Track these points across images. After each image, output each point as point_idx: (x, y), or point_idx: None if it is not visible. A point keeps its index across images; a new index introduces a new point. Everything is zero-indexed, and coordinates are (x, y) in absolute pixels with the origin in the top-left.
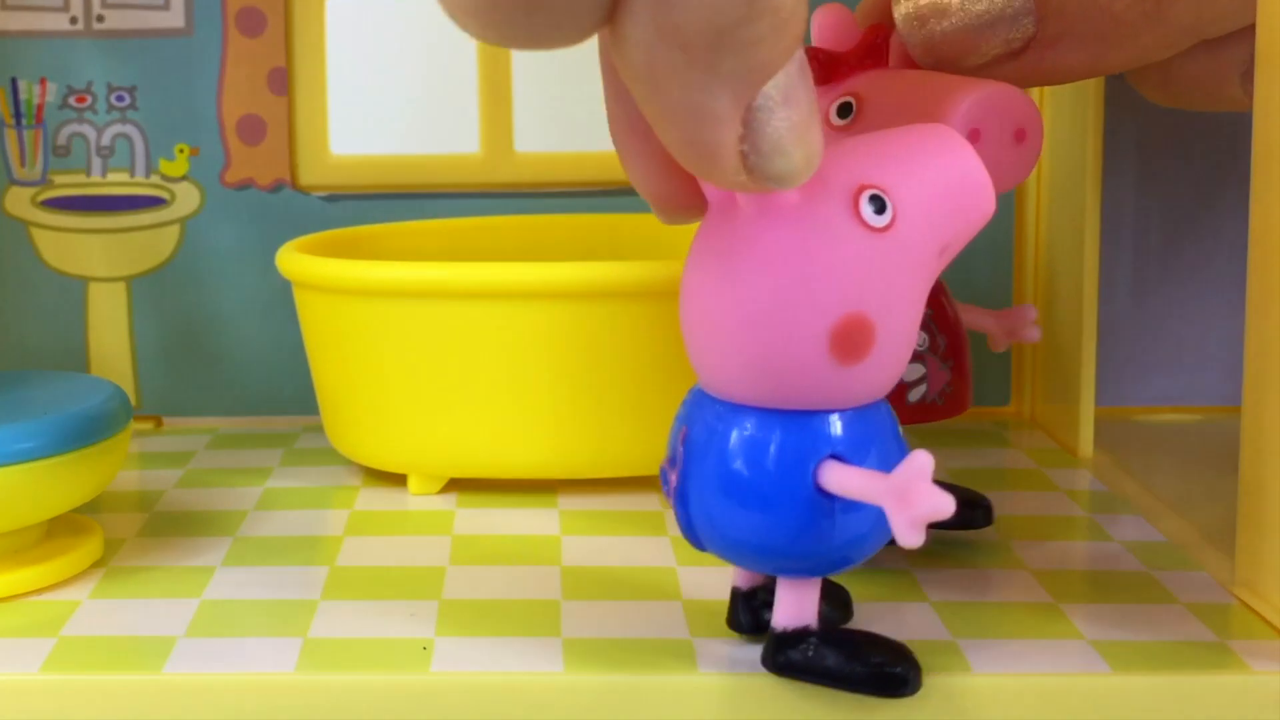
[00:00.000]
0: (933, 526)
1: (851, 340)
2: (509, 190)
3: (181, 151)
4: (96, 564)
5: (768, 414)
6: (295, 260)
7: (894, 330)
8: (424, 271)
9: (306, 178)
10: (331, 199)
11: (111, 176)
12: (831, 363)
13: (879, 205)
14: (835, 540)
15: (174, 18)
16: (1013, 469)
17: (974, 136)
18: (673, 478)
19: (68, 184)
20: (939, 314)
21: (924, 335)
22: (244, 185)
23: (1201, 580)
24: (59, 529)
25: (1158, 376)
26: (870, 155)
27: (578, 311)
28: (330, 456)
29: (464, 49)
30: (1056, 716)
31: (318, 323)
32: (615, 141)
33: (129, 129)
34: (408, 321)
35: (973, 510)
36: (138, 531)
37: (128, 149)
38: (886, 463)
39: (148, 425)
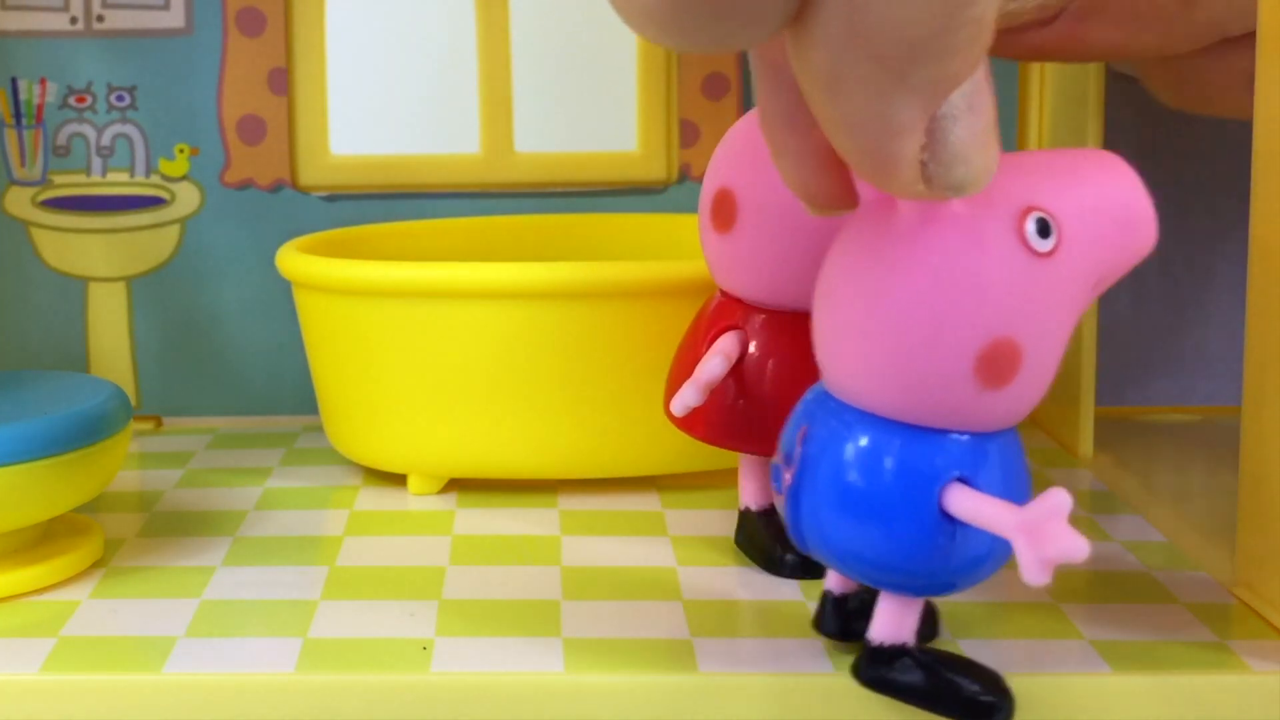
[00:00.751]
0: None
1: (998, 365)
2: (509, 190)
3: (181, 151)
4: (96, 564)
5: (897, 426)
6: (295, 260)
7: (1040, 359)
8: (424, 271)
9: (306, 178)
10: (331, 199)
11: (111, 176)
12: (974, 385)
13: (1044, 229)
14: (950, 564)
15: (174, 17)
16: None
17: None
18: (786, 476)
19: (68, 184)
20: None
21: None
22: (244, 185)
23: (1201, 580)
24: (59, 529)
25: (1158, 377)
26: (1039, 175)
27: (578, 311)
28: (330, 456)
29: (464, 49)
30: (1056, 716)
31: (318, 323)
32: (768, 137)
33: (129, 129)
34: (408, 321)
35: None
36: (138, 531)
37: (128, 149)
38: (1012, 493)
39: (148, 425)
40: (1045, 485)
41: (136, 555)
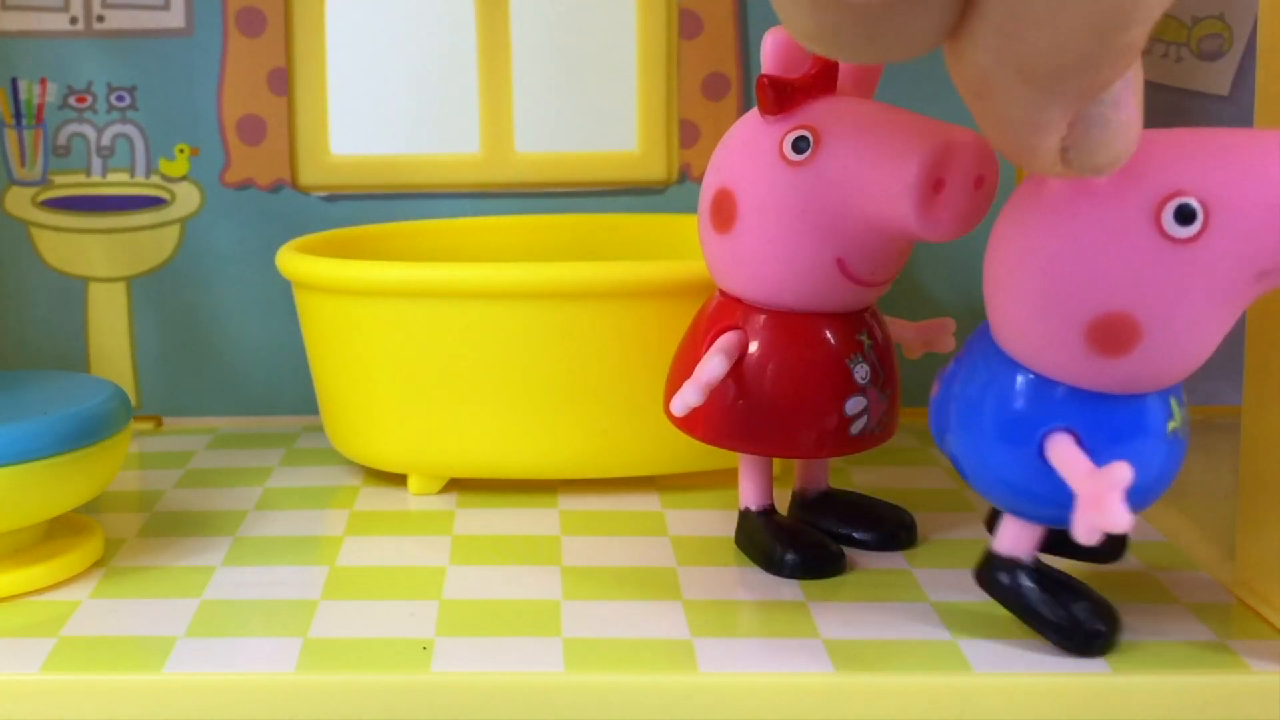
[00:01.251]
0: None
1: (1112, 336)
2: (509, 190)
3: (182, 151)
4: (97, 564)
5: (1021, 370)
6: (295, 260)
7: (1170, 339)
8: (424, 271)
9: (306, 178)
10: (331, 199)
11: (111, 176)
12: (1085, 350)
13: (1186, 216)
14: (1053, 499)
15: (174, 18)
16: None
17: (938, 186)
18: (937, 386)
19: (68, 184)
20: (877, 345)
21: (866, 368)
22: (244, 185)
23: (1201, 580)
24: (59, 529)
25: None
26: (1206, 158)
27: (578, 311)
28: (330, 456)
29: (464, 49)
30: (1057, 715)
31: (318, 323)
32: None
33: (129, 129)
34: (408, 321)
35: (897, 530)
36: (138, 531)
37: (128, 149)
38: (1115, 454)
39: (148, 425)
40: None
41: (137, 555)
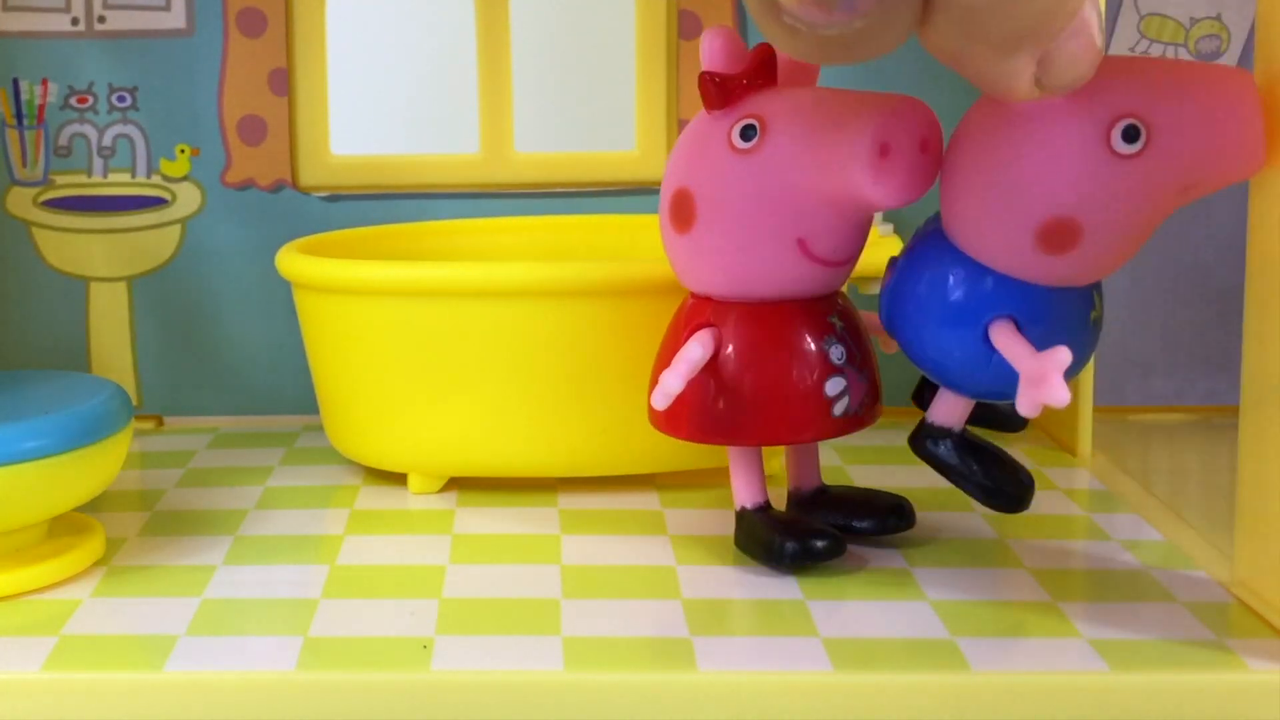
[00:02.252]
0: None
1: (1058, 237)
2: (509, 190)
3: (182, 152)
4: (98, 563)
5: (973, 263)
6: (295, 260)
7: (1106, 241)
8: (424, 271)
9: (307, 178)
10: (332, 199)
11: (113, 177)
12: (1034, 248)
13: (1131, 135)
14: (987, 378)
15: (175, 18)
16: None
17: (884, 151)
18: (889, 276)
19: (69, 184)
20: (850, 326)
21: (841, 349)
22: (245, 185)
23: (1199, 579)
24: (60, 528)
25: (1157, 376)
26: (1151, 84)
27: (577, 311)
28: (330, 456)
29: (464, 50)
30: (1055, 715)
31: (318, 323)
32: None
33: (130, 129)
34: (408, 321)
35: (895, 514)
36: (139, 530)
37: (129, 149)
38: (1051, 340)
39: (149, 424)
40: (1044, 485)
41: (138, 554)
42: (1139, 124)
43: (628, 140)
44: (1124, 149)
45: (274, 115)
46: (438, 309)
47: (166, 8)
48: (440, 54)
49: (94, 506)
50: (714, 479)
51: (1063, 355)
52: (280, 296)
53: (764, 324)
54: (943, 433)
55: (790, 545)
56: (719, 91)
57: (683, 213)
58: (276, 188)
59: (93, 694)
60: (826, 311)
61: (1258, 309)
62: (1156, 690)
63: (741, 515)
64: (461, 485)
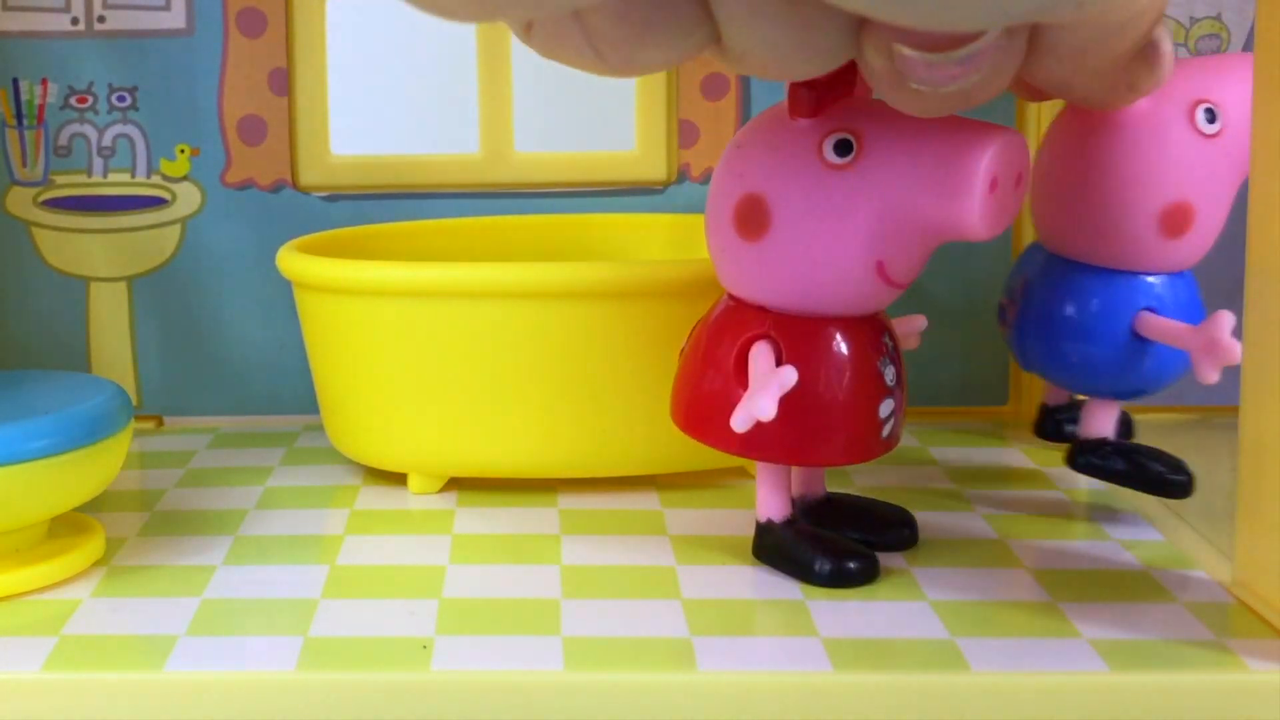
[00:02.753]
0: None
1: (1176, 221)
2: (509, 190)
3: (182, 152)
4: (98, 563)
5: (1099, 269)
6: (296, 260)
7: (1210, 216)
8: (424, 271)
9: (307, 178)
10: (332, 199)
11: (112, 177)
12: (1158, 236)
13: (1211, 116)
14: (1140, 374)
15: (175, 18)
16: (1011, 468)
17: (994, 185)
18: (1010, 313)
19: (69, 184)
20: (896, 346)
21: (892, 370)
22: (245, 185)
23: (1199, 580)
24: (60, 528)
25: None
26: (1211, 72)
27: (577, 311)
28: (331, 456)
29: (464, 50)
30: (1055, 715)
31: (318, 322)
32: None
33: (130, 129)
34: (408, 321)
35: (900, 529)
36: (139, 530)
37: (129, 149)
38: (1191, 319)
39: (149, 425)
40: (1044, 485)
41: (138, 554)
42: (1214, 106)
43: (627, 140)
44: (1208, 129)
45: (274, 115)
46: (438, 309)
47: (166, 8)
48: (440, 54)
49: (94, 506)
50: (713, 479)
51: (1227, 318)
52: (281, 296)
53: (827, 340)
54: (1100, 444)
55: (826, 566)
56: (812, 100)
57: (754, 220)
58: (276, 187)
59: (93, 694)
60: (879, 331)
61: (1257, 309)
62: (1156, 690)
63: (768, 528)
64: (461, 485)
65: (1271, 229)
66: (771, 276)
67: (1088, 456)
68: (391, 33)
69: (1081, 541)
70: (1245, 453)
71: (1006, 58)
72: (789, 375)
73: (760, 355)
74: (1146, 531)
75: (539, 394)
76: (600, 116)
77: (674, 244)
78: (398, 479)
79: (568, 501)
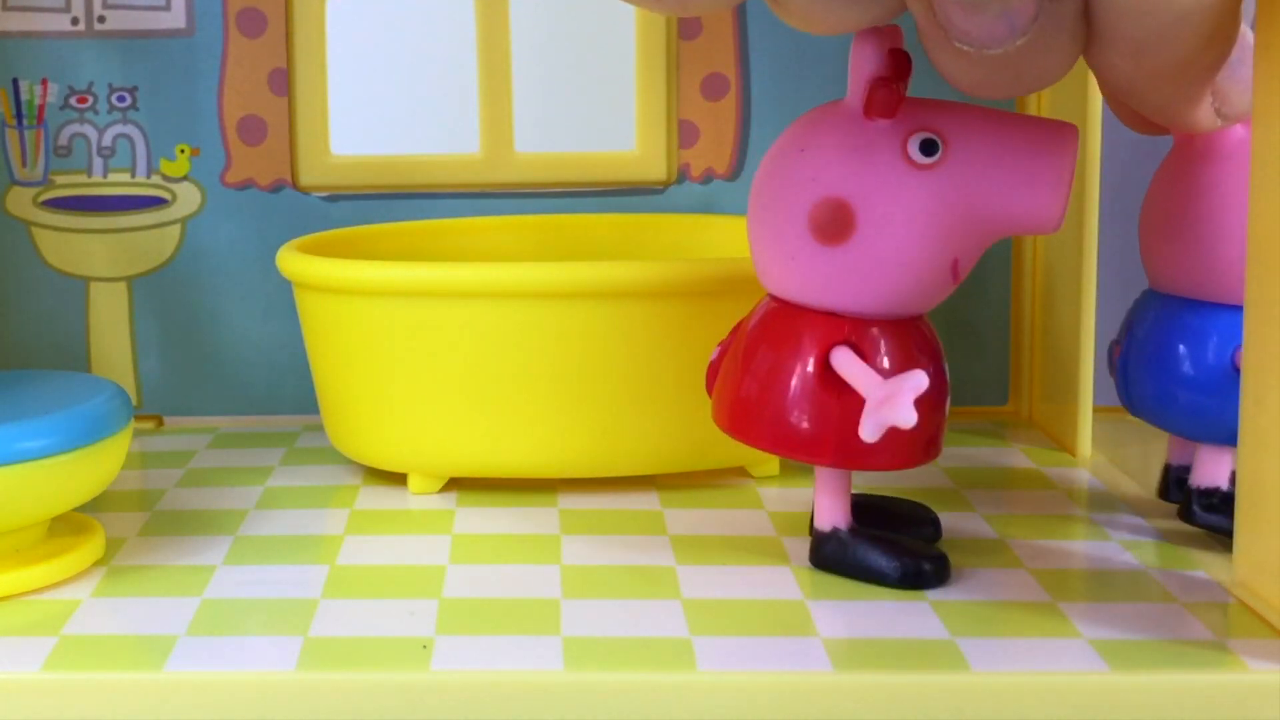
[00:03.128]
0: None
1: None
2: (509, 190)
3: (182, 152)
4: (98, 563)
5: (1211, 306)
6: (295, 260)
7: None
8: (424, 271)
9: (307, 178)
10: (332, 199)
11: (112, 177)
12: None
13: None
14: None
15: (175, 18)
16: (1011, 468)
17: (1071, 179)
18: (1116, 352)
19: (69, 184)
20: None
21: (948, 369)
22: (245, 185)
23: (1199, 580)
24: (60, 528)
25: None
26: None
27: (577, 311)
28: (331, 456)
29: (464, 50)
30: (1055, 715)
31: (318, 322)
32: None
33: (130, 129)
34: (408, 321)
35: (923, 526)
36: (139, 530)
37: (129, 149)
38: None
39: (149, 424)
40: (1044, 485)
41: (137, 554)
42: None
43: (628, 140)
44: None
45: (274, 115)
46: (437, 308)
47: (166, 8)
48: (440, 54)
49: (94, 506)
50: (713, 480)
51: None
52: (281, 296)
53: (909, 343)
54: (1215, 493)
55: (901, 569)
56: (893, 100)
57: (837, 224)
58: (276, 187)
59: (93, 693)
60: (934, 332)
61: (1258, 310)
62: (1157, 690)
63: (831, 535)
64: (461, 485)
65: (1272, 229)
66: (855, 281)
67: (1206, 514)
68: (391, 33)
69: (1082, 542)
70: (1245, 454)
71: (1055, 29)
72: (920, 379)
73: (854, 362)
74: (1147, 532)
75: (539, 394)
76: (600, 116)
77: (674, 244)
78: (398, 479)
79: (568, 501)
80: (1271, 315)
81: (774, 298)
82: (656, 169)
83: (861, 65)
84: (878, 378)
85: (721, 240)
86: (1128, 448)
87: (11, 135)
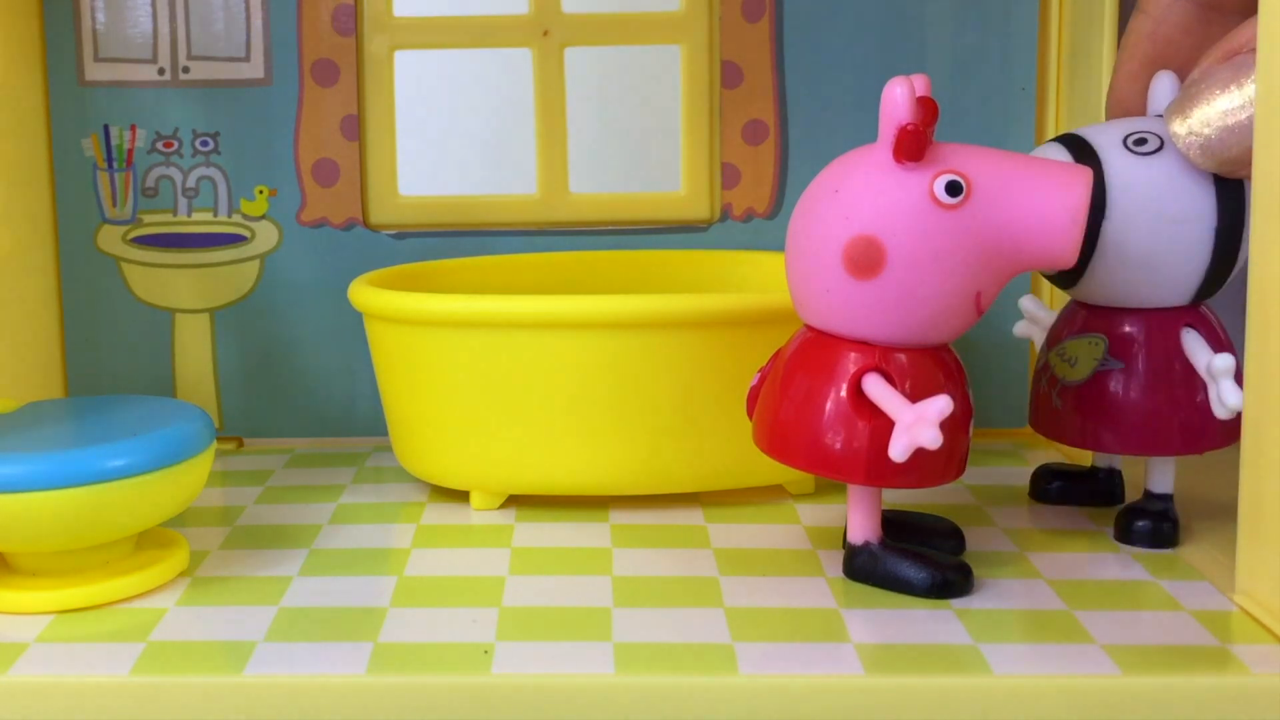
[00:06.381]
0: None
1: None
2: (564, 228)
3: (261, 192)
4: (182, 574)
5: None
6: (366, 293)
7: None
8: (485, 304)
9: (377, 217)
10: (400, 237)
11: (196, 215)
12: None
13: None
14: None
15: (254, 69)
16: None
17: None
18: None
19: (156, 222)
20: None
21: (971, 393)
22: (319, 224)
23: (1203, 589)
24: (148, 542)
25: None
26: None
27: (627, 340)
28: (399, 474)
29: (523, 99)
30: (1071, 715)
31: (387, 351)
32: None
33: (212, 172)
34: (471, 350)
35: (949, 540)
36: (221, 544)
37: (211, 190)
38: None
39: (230, 446)
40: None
41: (219, 566)
42: None
43: (674, 182)
44: None
45: (346, 159)
46: (498, 338)
47: (246, 59)
48: (501, 103)
49: (179, 522)
50: (753, 497)
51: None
52: (352, 327)
53: (934, 370)
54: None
55: (930, 580)
56: (921, 144)
57: (868, 260)
58: (348, 226)
59: (177, 696)
60: (958, 360)
61: (1259, 317)
62: (1165, 693)
63: (863, 548)
64: (520, 502)
65: (1272, 229)
66: (884, 314)
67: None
68: (456, 83)
69: (1094, 554)
70: (1246, 466)
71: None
72: (945, 403)
73: (884, 387)
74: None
75: (592, 417)
76: (649, 160)
77: (717, 278)
78: (461, 496)
79: (618, 517)
80: (1273, 324)
81: (810, 328)
82: (701, 208)
83: (891, 112)
84: (906, 402)
85: (761, 275)
86: (1139, 465)
87: (103, 177)
